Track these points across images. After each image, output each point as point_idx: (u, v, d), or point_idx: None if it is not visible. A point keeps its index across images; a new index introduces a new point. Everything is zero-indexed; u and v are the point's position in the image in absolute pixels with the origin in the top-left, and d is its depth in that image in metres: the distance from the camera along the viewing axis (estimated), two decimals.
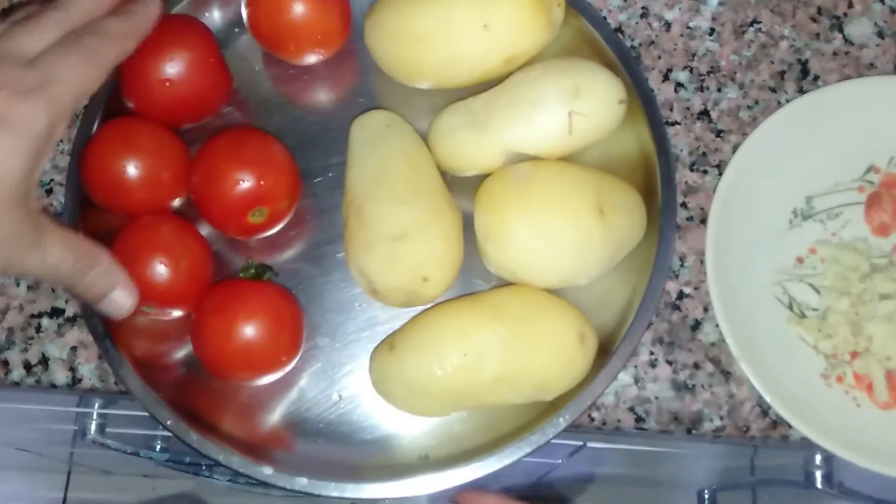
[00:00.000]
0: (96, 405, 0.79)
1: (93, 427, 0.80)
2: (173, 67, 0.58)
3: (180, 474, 0.96)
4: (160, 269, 0.56)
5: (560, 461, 0.93)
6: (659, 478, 1.14)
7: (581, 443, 0.85)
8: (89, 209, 0.60)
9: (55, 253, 0.47)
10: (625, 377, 0.61)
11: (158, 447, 0.88)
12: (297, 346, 0.59)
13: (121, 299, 0.53)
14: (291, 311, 0.59)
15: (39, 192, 0.64)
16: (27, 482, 1.42)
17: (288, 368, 0.59)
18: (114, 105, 0.61)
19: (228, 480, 0.96)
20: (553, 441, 0.57)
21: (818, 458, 0.70)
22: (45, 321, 0.62)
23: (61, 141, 0.65)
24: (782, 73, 0.67)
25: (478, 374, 0.55)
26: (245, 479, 0.58)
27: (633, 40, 0.68)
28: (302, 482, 0.56)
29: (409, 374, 0.56)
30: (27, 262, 0.46)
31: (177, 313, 0.58)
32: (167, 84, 0.58)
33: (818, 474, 0.70)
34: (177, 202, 0.60)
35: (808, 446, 0.60)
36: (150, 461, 0.88)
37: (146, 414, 0.57)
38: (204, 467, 0.92)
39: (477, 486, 0.56)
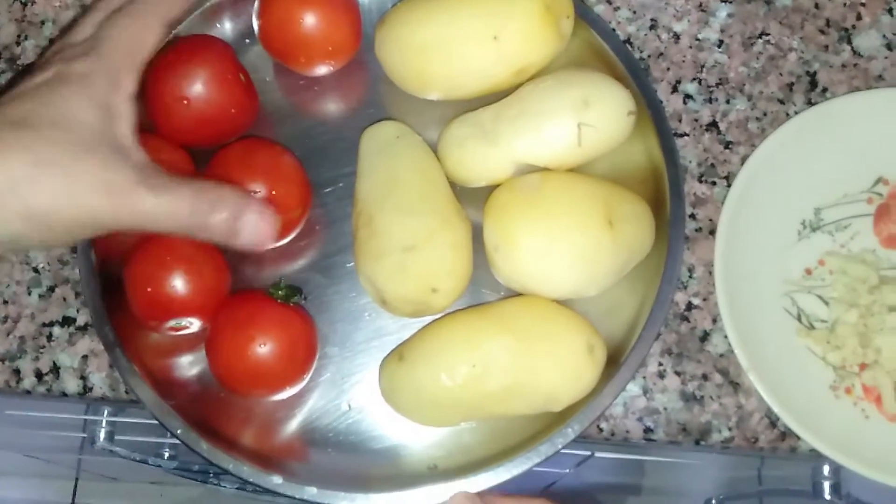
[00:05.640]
0: (105, 413, 0.80)
1: (102, 434, 0.80)
2: (191, 86, 0.58)
3: (188, 481, 0.96)
4: (178, 282, 0.56)
5: (567, 471, 0.93)
6: (666, 487, 1.14)
7: (589, 452, 0.85)
8: None
9: (165, 202, 0.47)
10: (633, 388, 0.62)
11: (167, 455, 0.89)
12: (310, 365, 0.59)
13: (255, 232, 0.51)
14: (306, 330, 0.59)
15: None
16: (35, 488, 1.42)
17: (301, 386, 0.59)
18: None
19: (236, 488, 0.97)
20: (561, 451, 0.57)
21: (826, 469, 0.70)
22: (56, 330, 0.63)
23: None
24: (791, 85, 0.67)
25: (486, 385, 0.55)
26: (253, 488, 0.58)
27: (641, 52, 0.68)
28: (311, 491, 0.56)
29: (417, 384, 0.56)
30: (136, 209, 0.47)
31: (195, 327, 0.59)
32: (184, 102, 0.58)
33: (826, 485, 0.70)
34: None
35: (817, 457, 0.60)
36: (159, 468, 0.89)
37: (155, 422, 0.57)
38: (212, 475, 0.93)
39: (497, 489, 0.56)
